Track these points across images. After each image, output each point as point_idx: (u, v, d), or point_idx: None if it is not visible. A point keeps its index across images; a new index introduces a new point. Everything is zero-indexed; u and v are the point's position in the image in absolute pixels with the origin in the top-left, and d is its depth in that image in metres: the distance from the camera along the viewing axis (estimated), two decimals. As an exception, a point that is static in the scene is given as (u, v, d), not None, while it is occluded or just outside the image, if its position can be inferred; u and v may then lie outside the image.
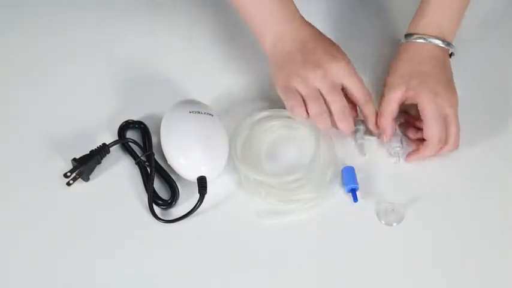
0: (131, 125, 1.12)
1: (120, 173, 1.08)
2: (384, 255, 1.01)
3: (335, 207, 1.04)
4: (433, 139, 1.04)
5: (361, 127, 1.09)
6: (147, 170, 1.07)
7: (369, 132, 1.09)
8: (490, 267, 1.00)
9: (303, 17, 1.10)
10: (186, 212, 1.02)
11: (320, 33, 1.09)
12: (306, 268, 1.00)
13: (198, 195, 1.03)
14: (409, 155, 1.07)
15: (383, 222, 1.03)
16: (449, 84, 1.07)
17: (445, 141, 1.05)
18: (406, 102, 1.07)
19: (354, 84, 1.06)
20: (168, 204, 1.04)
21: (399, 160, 1.07)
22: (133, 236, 1.02)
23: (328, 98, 1.05)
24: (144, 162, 1.07)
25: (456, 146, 1.06)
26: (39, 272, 0.99)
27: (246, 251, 1.01)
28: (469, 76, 1.15)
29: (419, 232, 1.02)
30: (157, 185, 1.06)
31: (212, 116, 1.07)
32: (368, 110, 1.07)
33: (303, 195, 1.03)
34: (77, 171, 1.05)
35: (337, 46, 1.08)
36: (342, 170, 1.05)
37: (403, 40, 1.12)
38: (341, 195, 1.05)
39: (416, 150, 1.07)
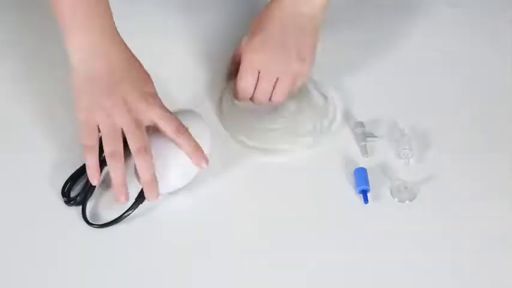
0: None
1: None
2: (395, 232, 1.00)
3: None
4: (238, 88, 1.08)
5: (362, 129, 1.08)
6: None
7: (369, 133, 1.08)
8: (500, 247, 0.99)
9: (119, 35, 1.03)
10: (114, 218, 1.01)
11: (132, 59, 1.03)
12: (318, 247, 1.00)
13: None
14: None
15: (396, 199, 1.02)
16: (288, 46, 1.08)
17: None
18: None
19: (161, 116, 0.99)
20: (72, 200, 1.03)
21: (408, 162, 1.06)
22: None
23: (128, 135, 0.98)
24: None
25: (261, 100, 1.08)
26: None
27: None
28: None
29: (431, 210, 1.02)
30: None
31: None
32: (184, 142, 0.99)
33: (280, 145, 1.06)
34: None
35: (147, 76, 1.03)
36: (354, 171, 1.04)
37: None
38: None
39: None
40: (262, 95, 1.08)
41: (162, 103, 1.01)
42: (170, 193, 1.03)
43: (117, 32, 1.02)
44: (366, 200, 1.02)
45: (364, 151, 1.07)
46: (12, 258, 0.99)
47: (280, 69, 1.07)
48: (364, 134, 1.08)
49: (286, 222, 1.02)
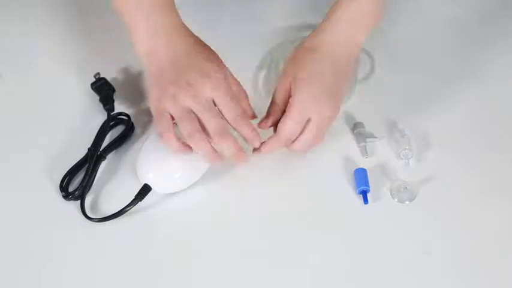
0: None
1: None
2: (395, 232, 1.00)
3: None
4: (283, 135, 1.00)
5: (362, 129, 1.08)
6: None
7: (370, 133, 1.08)
8: (500, 247, 0.99)
9: (181, 24, 1.02)
10: (113, 213, 1.02)
11: (196, 44, 1.01)
12: (318, 247, 1.00)
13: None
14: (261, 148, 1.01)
15: (396, 199, 1.02)
16: (336, 91, 1.01)
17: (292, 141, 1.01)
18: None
19: (223, 101, 0.98)
20: (71, 194, 1.04)
21: (408, 163, 1.05)
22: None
23: (202, 118, 0.98)
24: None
25: (301, 151, 1.02)
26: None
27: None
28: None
29: (431, 210, 1.01)
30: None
31: None
32: (241, 130, 0.99)
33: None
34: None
35: (213, 58, 1.00)
36: (354, 172, 1.04)
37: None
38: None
39: (264, 145, 1.01)
40: (304, 146, 1.02)
41: (226, 87, 0.99)
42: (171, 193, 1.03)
43: (177, 19, 1.02)
44: (365, 201, 1.02)
45: (364, 151, 1.06)
46: (11, 253, 1.00)
47: (324, 119, 1.01)
48: (364, 135, 1.07)
49: (286, 222, 1.02)
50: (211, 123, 0.97)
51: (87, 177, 1.05)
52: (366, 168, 1.04)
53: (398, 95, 1.13)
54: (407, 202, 1.02)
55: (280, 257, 1.00)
